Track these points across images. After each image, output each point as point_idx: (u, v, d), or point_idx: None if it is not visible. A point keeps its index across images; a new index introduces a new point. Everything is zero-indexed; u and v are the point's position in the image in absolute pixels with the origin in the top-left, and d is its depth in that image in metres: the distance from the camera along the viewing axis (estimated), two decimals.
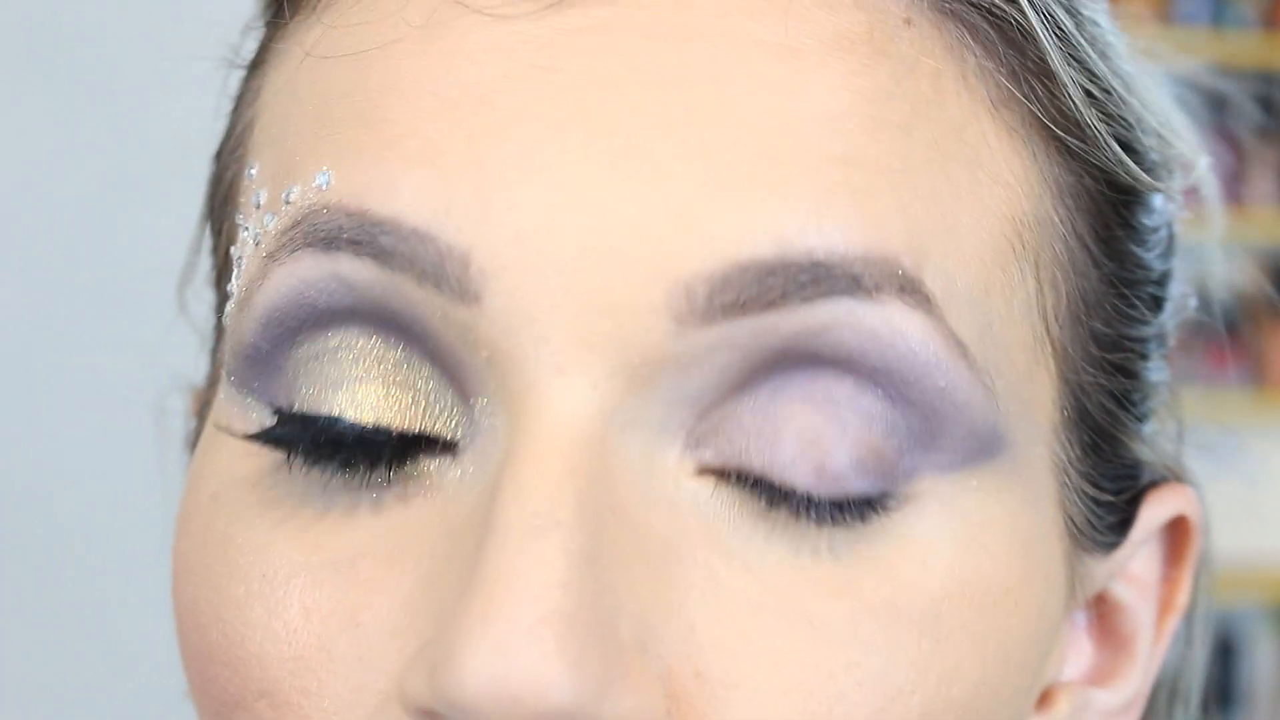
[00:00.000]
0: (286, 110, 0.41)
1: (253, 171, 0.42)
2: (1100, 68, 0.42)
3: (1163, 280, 0.45)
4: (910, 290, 0.37)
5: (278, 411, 0.39)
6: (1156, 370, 0.45)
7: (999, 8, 0.40)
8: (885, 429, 0.37)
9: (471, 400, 0.38)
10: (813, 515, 0.37)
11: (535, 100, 0.37)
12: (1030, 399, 0.40)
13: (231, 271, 0.41)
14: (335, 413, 0.38)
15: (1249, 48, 2.76)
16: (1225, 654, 2.92)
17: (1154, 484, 0.45)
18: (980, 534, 0.38)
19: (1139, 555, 0.45)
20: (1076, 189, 0.41)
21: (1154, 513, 0.44)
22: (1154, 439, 0.46)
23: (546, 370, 0.36)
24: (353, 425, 0.38)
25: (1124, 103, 0.42)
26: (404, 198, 0.37)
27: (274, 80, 0.43)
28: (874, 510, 0.37)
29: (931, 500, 0.38)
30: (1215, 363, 2.84)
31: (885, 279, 0.37)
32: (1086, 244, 0.42)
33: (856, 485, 0.37)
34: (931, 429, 0.38)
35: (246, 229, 0.41)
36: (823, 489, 0.37)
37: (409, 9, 0.39)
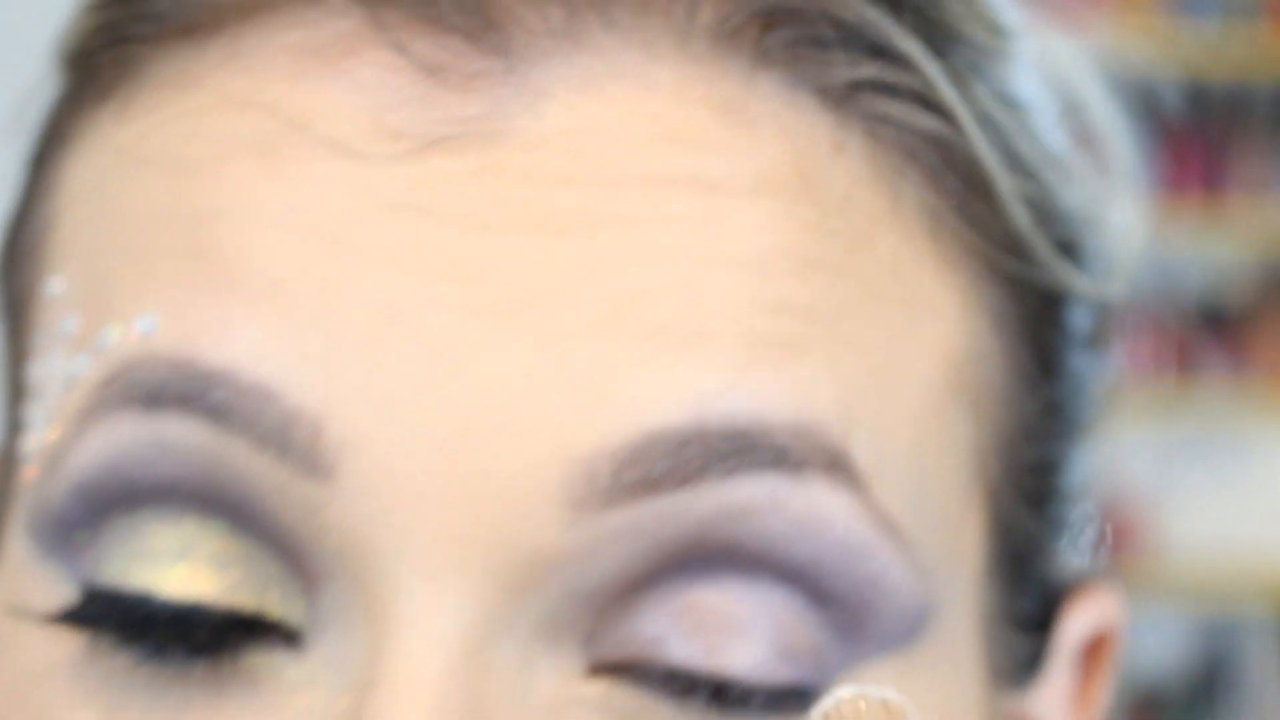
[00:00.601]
0: (97, 221, 0.36)
1: (56, 290, 0.36)
2: (1040, 168, 0.39)
3: (1095, 377, 0.42)
4: (838, 466, 0.33)
5: (87, 587, 0.34)
6: (1081, 465, 0.42)
7: (936, 130, 0.36)
8: (808, 625, 0.34)
9: (318, 588, 0.33)
10: (726, 713, 0.33)
11: (401, 243, 0.32)
12: (960, 551, 0.37)
13: (25, 383, 0.36)
14: (147, 589, 0.33)
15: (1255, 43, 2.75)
16: (1225, 657, 2.92)
17: (1071, 591, 0.42)
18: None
19: (1057, 670, 0.41)
20: (1016, 315, 0.38)
21: (1073, 629, 0.41)
22: (1072, 545, 0.42)
23: (413, 574, 0.31)
24: (166, 604, 0.33)
25: (1061, 195, 0.39)
26: (242, 345, 0.32)
27: (78, 174, 0.37)
28: (792, 709, 0.33)
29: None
30: (1212, 359, 2.84)
31: (812, 452, 0.33)
32: (1025, 371, 0.38)
33: (773, 682, 0.33)
34: (858, 620, 0.34)
35: (53, 359, 0.35)
36: (737, 688, 0.33)
37: (241, 123, 0.34)
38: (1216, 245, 2.82)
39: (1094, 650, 0.43)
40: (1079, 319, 0.40)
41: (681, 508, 0.33)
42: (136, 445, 0.33)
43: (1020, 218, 0.37)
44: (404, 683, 0.31)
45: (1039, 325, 0.39)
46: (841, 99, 0.36)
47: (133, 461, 0.33)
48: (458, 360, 0.32)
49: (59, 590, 0.34)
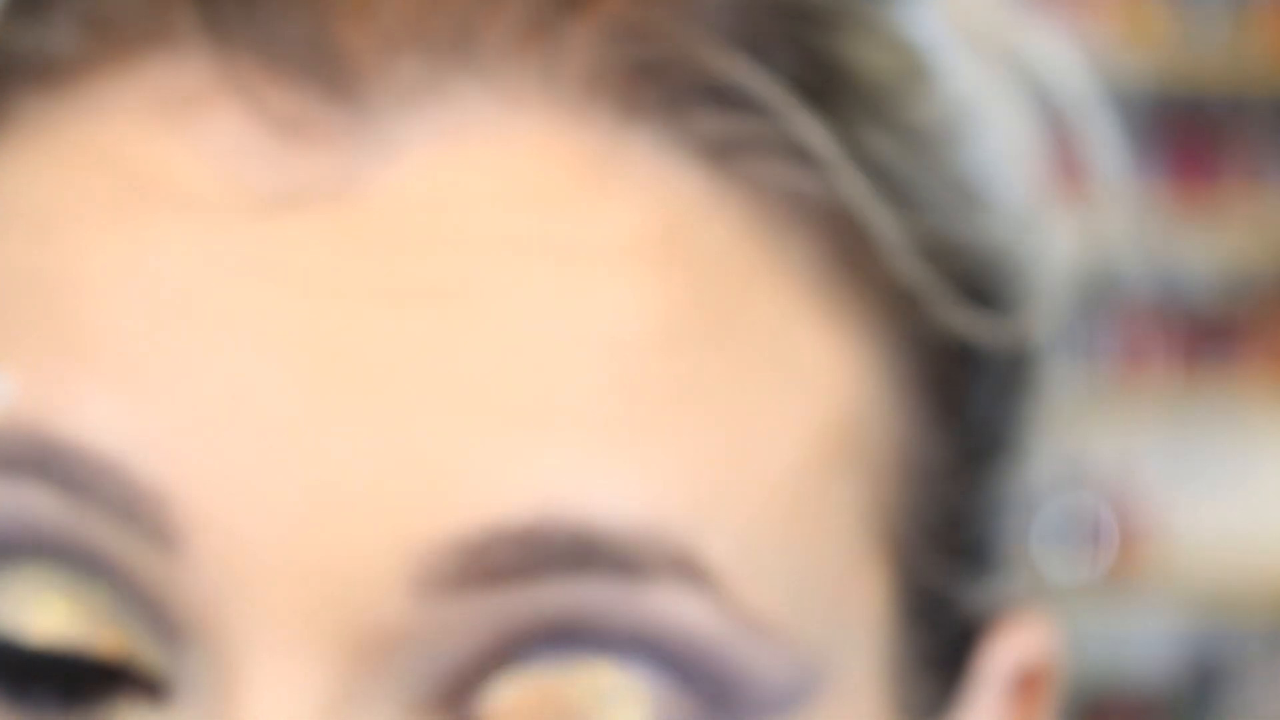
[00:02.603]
0: None
1: None
2: (947, 207, 0.37)
3: (1014, 407, 0.41)
4: (686, 569, 0.33)
5: None
6: (1000, 490, 0.41)
7: (815, 185, 0.35)
8: (668, 708, 0.33)
9: (179, 645, 0.33)
10: None
11: (246, 314, 0.32)
12: (851, 611, 0.36)
13: None
14: (14, 633, 0.33)
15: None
16: (1225, 657, 2.92)
17: (992, 622, 0.40)
18: None
19: (981, 700, 0.40)
20: (915, 364, 0.37)
21: (997, 661, 0.40)
22: (990, 575, 0.41)
23: (261, 648, 0.31)
24: (33, 649, 0.33)
25: (973, 233, 0.38)
26: (91, 420, 0.32)
27: None
28: None
29: None
30: (1214, 359, 2.84)
31: (658, 557, 0.32)
32: (927, 419, 0.37)
33: None
34: (724, 700, 0.34)
35: None
36: None
37: (97, 182, 0.34)
38: (1216, 245, 2.82)
39: (1027, 681, 0.41)
40: (986, 356, 0.39)
41: (527, 598, 0.32)
42: None
43: (910, 271, 0.36)
44: None
45: (941, 374, 0.38)
46: (717, 154, 0.34)
47: None
48: (300, 439, 0.31)
49: None
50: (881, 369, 0.36)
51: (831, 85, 0.36)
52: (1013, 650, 0.40)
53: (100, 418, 0.32)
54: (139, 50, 0.34)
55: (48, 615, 0.33)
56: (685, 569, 0.33)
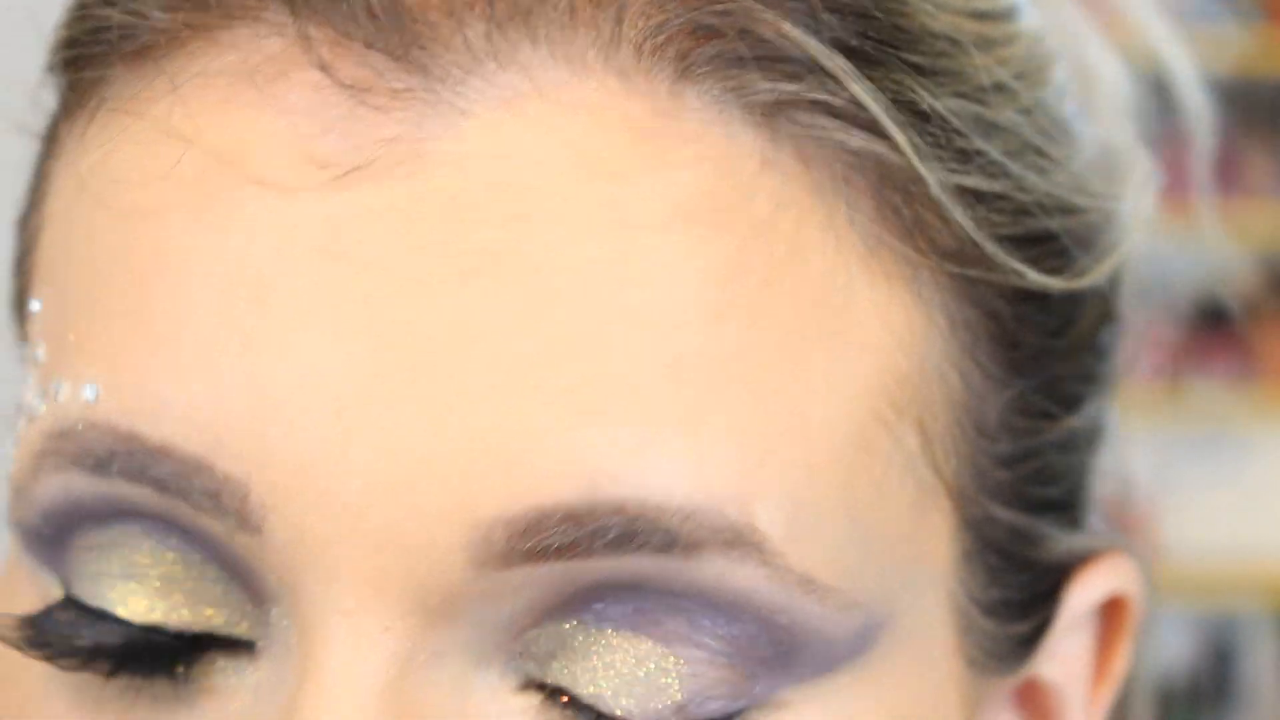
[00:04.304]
0: (62, 256, 0.37)
1: (35, 309, 0.38)
2: (1006, 161, 0.38)
3: (1091, 358, 0.42)
4: (736, 542, 0.34)
5: (66, 597, 0.36)
6: (1080, 440, 0.42)
7: (869, 145, 0.35)
8: (727, 657, 0.34)
9: (266, 605, 0.35)
10: None
11: (317, 298, 0.33)
12: (916, 558, 0.37)
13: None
14: (109, 608, 0.36)
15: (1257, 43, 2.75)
16: (1225, 656, 2.92)
17: (1080, 562, 0.42)
18: None
19: (1074, 634, 0.42)
20: (974, 319, 0.38)
21: (1082, 598, 0.42)
22: (1079, 522, 0.43)
23: (332, 611, 0.33)
24: (125, 623, 0.35)
25: (1034, 185, 0.38)
26: (175, 422, 0.34)
27: (55, 192, 0.38)
28: None
29: (796, 710, 0.35)
30: (1212, 359, 2.84)
31: (707, 533, 0.33)
32: (988, 372, 0.38)
33: (701, 712, 0.34)
34: (782, 654, 0.35)
35: (29, 382, 0.38)
36: (663, 717, 0.34)
37: (183, 165, 0.35)
38: (1216, 245, 2.82)
39: (1111, 614, 0.43)
40: (1056, 308, 0.40)
41: (576, 572, 0.34)
42: (90, 498, 0.35)
43: (968, 225, 0.37)
44: (323, 706, 0.33)
45: (1001, 323, 0.38)
46: (769, 115, 0.35)
47: (90, 507, 0.36)
48: (364, 422, 0.33)
49: (51, 595, 0.37)
50: (940, 323, 0.37)
51: (888, 44, 0.36)
52: (1097, 587, 0.42)
53: (183, 419, 0.34)
54: (221, 22, 0.36)
55: (139, 592, 0.36)
56: (734, 541, 0.34)
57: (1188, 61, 0.47)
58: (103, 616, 0.36)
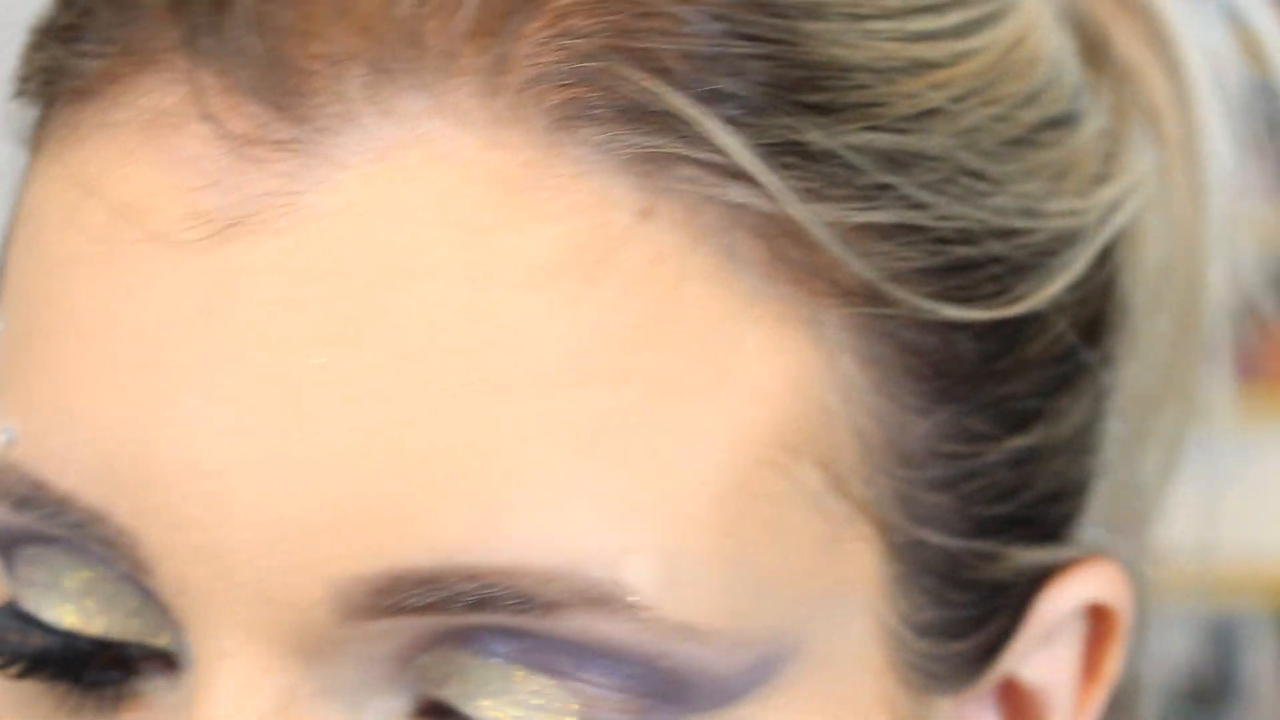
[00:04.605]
0: (11, 289, 0.40)
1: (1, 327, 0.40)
2: (934, 189, 0.37)
3: (1056, 378, 0.42)
4: (602, 600, 0.35)
5: (9, 602, 0.39)
6: (1048, 452, 0.42)
7: (750, 188, 0.36)
8: (619, 693, 0.35)
9: (179, 629, 0.38)
10: None
11: (197, 362, 0.36)
12: (829, 590, 0.38)
13: None
14: (36, 614, 0.38)
15: None
16: (1225, 656, 2.92)
17: (1053, 572, 0.43)
18: None
19: (1055, 639, 0.43)
20: (886, 354, 0.38)
21: (1053, 607, 0.43)
22: (1053, 534, 0.43)
23: (213, 653, 0.36)
24: (50, 629, 0.38)
25: (963, 212, 0.38)
26: (76, 474, 0.37)
27: (16, 217, 0.41)
28: None
29: None
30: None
31: (567, 594, 0.35)
32: (907, 403, 0.39)
33: None
34: (671, 690, 0.36)
35: None
36: None
37: (92, 217, 0.37)
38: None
39: (1098, 620, 0.44)
40: (992, 333, 0.40)
41: (441, 622, 0.35)
42: (16, 527, 0.38)
43: (860, 266, 0.37)
44: None
45: (923, 355, 0.39)
46: (650, 165, 0.36)
47: (17, 533, 0.38)
48: (237, 483, 0.35)
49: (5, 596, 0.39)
50: (843, 362, 0.38)
51: (781, 86, 0.37)
52: (1077, 593, 0.43)
53: (83, 474, 0.37)
54: (138, 69, 0.37)
55: (66, 597, 0.38)
56: (601, 599, 0.35)
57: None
58: (29, 622, 0.38)
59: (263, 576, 0.36)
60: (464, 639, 0.36)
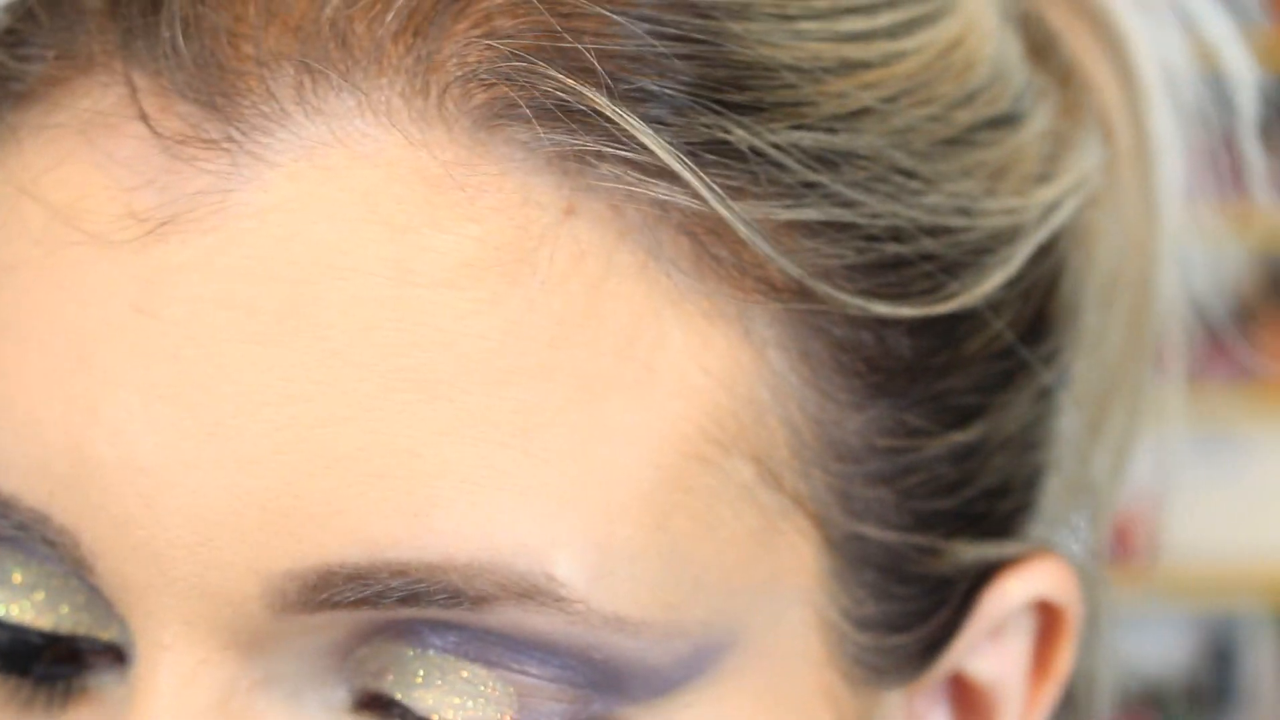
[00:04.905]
0: None
1: None
2: (863, 187, 0.37)
3: (997, 374, 0.41)
4: (531, 593, 0.34)
5: None
6: (976, 451, 0.41)
7: (673, 185, 0.35)
8: (554, 684, 0.36)
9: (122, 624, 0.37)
10: None
11: (130, 360, 0.35)
12: (763, 582, 0.38)
13: None
14: None
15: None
16: (1225, 656, 2.92)
17: (998, 568, 0.42)
18: None
19: (1005, 635, 0.42)
20: (817, 349, 0.38)
21: (998, 603, 0.42)
22: (999, 529, 0.42)
23: (154, 645, 0.36)
24: (3, 624, 0.37)
25: (894, 210, 0.38)
26: (19, 476, 0.36)
27: None
28: None
29: None
30: (1212, 359, 2.84)
31: (495, 588, 0.34)
32: (840, 398, 0.38)
33: None
34: (609, 680, 0.36)
35: None
36: None
37: (30, 217, 0.37)
38: (1217, 245, 2.82)
39: (1049, 614, 0.43)
40: (928, 329, 0.39)
41: (371, 616, 0.35)
42: None
43: (786, 263, 0.36)
44: None
45: (855, 350, 0.38)
46: (573, 162, 0.35)
47: None
48: (169, 481, 0.35)
49: None
50: (772, 358, 0.37)
51: (709, 86, 0.36)
52: (1024, 588, 0.42)
53: (23, 476, 0.36)
54: (76, 73, 0.37)
55: (11, 592, 0.38)
56: (530, 592, 0.34)
57: (1246, 62, 0.47)
58: None
59: (198, 572, 0.35)
60: (400, 632, 0.36)
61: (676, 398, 0.36)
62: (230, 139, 0.35)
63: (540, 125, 0.35)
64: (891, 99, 0.38)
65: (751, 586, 0.37)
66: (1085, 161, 0.44)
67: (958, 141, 0.40)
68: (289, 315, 0.34)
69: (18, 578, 0.37)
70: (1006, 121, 0.42)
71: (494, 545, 0.34)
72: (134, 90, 0.36)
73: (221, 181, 0.35)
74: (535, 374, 0.35)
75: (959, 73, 0.40)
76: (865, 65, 0.38)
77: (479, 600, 0.34)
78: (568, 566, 0.35)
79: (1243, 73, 0.46)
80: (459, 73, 0.35)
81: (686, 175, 0.35)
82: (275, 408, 0.34)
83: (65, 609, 0.37)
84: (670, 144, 0.35)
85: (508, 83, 0.35)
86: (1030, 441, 0.43)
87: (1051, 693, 0.44)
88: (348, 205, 0.35)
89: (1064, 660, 0.44)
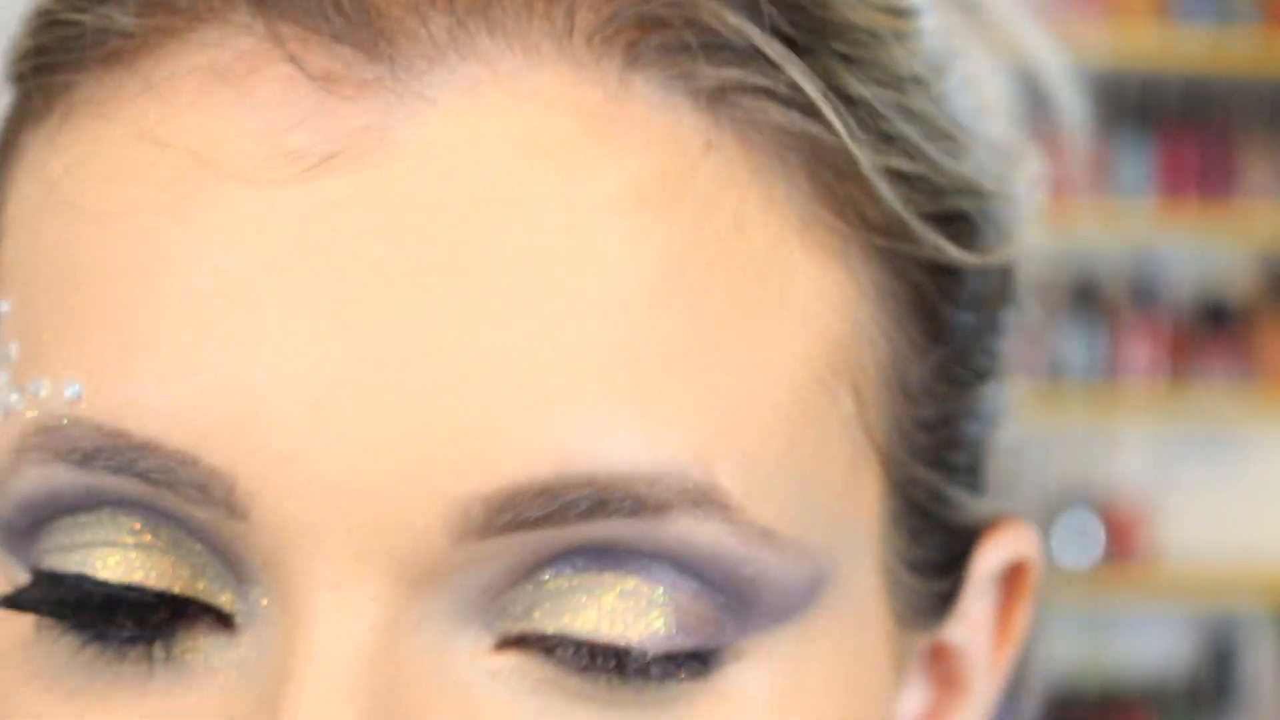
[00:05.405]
0: (31, 259, 0.38)
1: (4, 309, 0.39)
2: (924, 144, 0.40)
3: (995, 334, 0.44)
4: (702, 501, 0.36)
5: (34, 572, 0.37)
6: (986, 413, 0.44)
7: (804, 126, 0.37)
8: (701, 603, 0.36)
9: (247, 584, 0.36)
10: (626, 678, 0.36)
11: (293, 296, 0.35)
12: (853, 515, 0.39)
13: None
14: (83, 572, 0.36)
15: (1251, 45, 2.75)
16: (1225, 656, 2.92)
17: (984, 530, 0.44)
18: (804, 681, 0.38)
19: (974, 602, 0.44)
20: (899, 288, 0.40)
21: (988, 562, 0.44)
22: (983, 489, 0.45)
23: (320, 585, 0.35)
24: (101, 584, 0.36)
25: (948, 168, 0.41)
26: (161, 420, 0.35)
27: (20, 195, 0.39)
28: (692, 671, 0.36)
29: (752, 658, 0.37)
30: (1212, 359, 2.84)
31: (673, 495, 0.35)
32: (912, 339, 0.40)
33: (673, 646, 0.36)
34: (745, 603, 0.37)
35: (2, 370, 0.39)
36: (637, 656, 0.36)
37: (158, 167, 0.36)
38: (1216, 245, 2.83)
39: (1011, 579, 0.45)
40: (970, 282, 0.42)
41: (553, 537, 0.35)
42: (73, 490, 0.36)
43: (894, 201, 0.39)
44: (315, 674, 0.35)
45: (924, 295, 0.40)
46: (712, 100, 0.37)
47: (71, 498, 0.37)
48: (340, 414, 0.35)
49: (19, 581, 0.37)
50: (870, 293, 0.39)
51: (818, 34, 0.38)
52: (1000, 552, 0.44)
53: (169, 416, 0.35)
54: (189, 24, 0.37)
55: (118, 555, 0.37)
56: (700, 500, 0.36)
57: (1059, 61, 0.50)
58: (72, 583, 0.36)
59: (374, 506, 0.35)
60: (561, 561, 0.36)
61: (805, 324, 0.38)
62: (388, 78, 0.35)
63: (685, 62, 0.37)
64: (929, 70, 0.41)
65: (845, 520, 0.39)
66: (1030, 157, 0.47)
67: (967, 118, 0.43)
68: (461, 245, 0.35)
69: (125, 538, 0.37)
70: (988, 108, 0.45)
71: (669, 455, 0.35)
72: (276, 36, 0.36)
73: (382, 118, 0.35)
74: (694, 296, 0.36)
75: (952, 59, 0.43)
76: (908, 36, 0.41)
77: (660, 508, 0.35)
78: (728, 478, 0.36)
79: (1057, 70, 0.49)
80: (605, 14, 0.36)
81: (827, 110, 0.37)
82: (452, 335, 0.35)
83: (184, 571, 0.37)
84: (806, 76, 0.37)
85: (651, 22, 0.36)
86: (998, 413, 0.45)
87: (1011, 656, 0.46)
88: (510, 140, 0.35)
89: (1023, 623, 0.46)
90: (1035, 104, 0.48)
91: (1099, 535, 2.73)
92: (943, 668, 0.45)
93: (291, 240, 0.35)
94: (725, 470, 0.36)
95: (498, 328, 0.35)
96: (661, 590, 0.36)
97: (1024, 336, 0.47)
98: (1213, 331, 2.83)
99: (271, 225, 0.35)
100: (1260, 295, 2.88)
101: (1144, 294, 2.82)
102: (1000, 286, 0.44)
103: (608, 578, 0.36)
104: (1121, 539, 2.75)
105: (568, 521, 0.35)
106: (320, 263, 0.35)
